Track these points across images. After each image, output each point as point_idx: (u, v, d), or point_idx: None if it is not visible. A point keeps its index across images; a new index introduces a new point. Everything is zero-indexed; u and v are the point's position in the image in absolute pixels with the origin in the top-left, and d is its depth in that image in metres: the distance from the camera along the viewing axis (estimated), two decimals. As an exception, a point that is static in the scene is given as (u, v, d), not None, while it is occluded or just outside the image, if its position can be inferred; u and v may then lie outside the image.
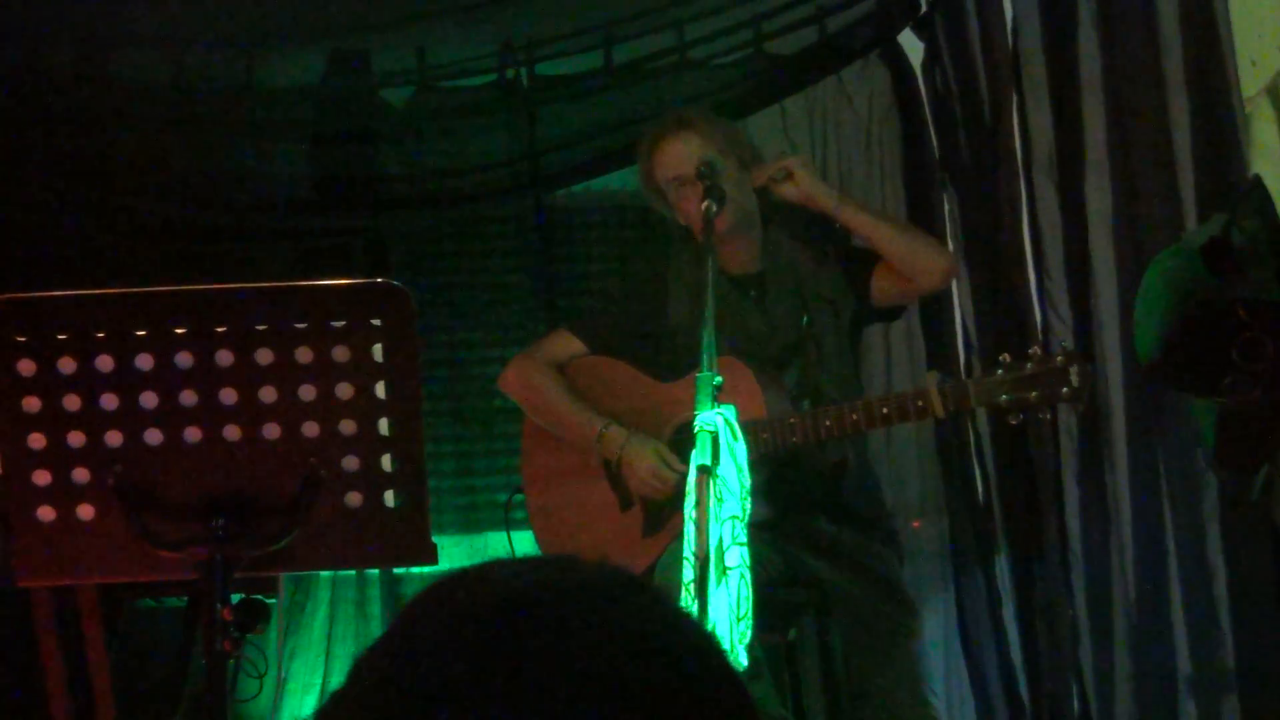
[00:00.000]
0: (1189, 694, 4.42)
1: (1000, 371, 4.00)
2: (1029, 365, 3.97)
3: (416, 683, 1.18)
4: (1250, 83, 3.80)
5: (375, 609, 5.68)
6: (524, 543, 5.02)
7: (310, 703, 5.42)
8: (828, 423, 4.16)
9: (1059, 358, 3.97)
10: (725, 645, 3.04)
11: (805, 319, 4.49)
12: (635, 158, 4.63)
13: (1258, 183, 3.48)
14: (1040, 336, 4.77)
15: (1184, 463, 4.41)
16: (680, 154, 4.40)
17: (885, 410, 4.10)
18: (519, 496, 4.80)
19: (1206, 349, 3.32)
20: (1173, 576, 4.45)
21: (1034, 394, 3.95)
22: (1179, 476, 4.43)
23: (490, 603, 1.23)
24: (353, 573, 5.64)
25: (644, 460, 4.36)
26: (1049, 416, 4.18)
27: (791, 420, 4.21)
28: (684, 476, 3.38)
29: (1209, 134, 4.06)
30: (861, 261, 4.48)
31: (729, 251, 4.49)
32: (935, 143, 5.55)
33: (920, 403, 4.06)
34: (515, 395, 4.73)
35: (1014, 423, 4.05)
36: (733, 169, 4.43)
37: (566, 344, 4.70)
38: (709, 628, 3.09)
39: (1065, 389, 3.94)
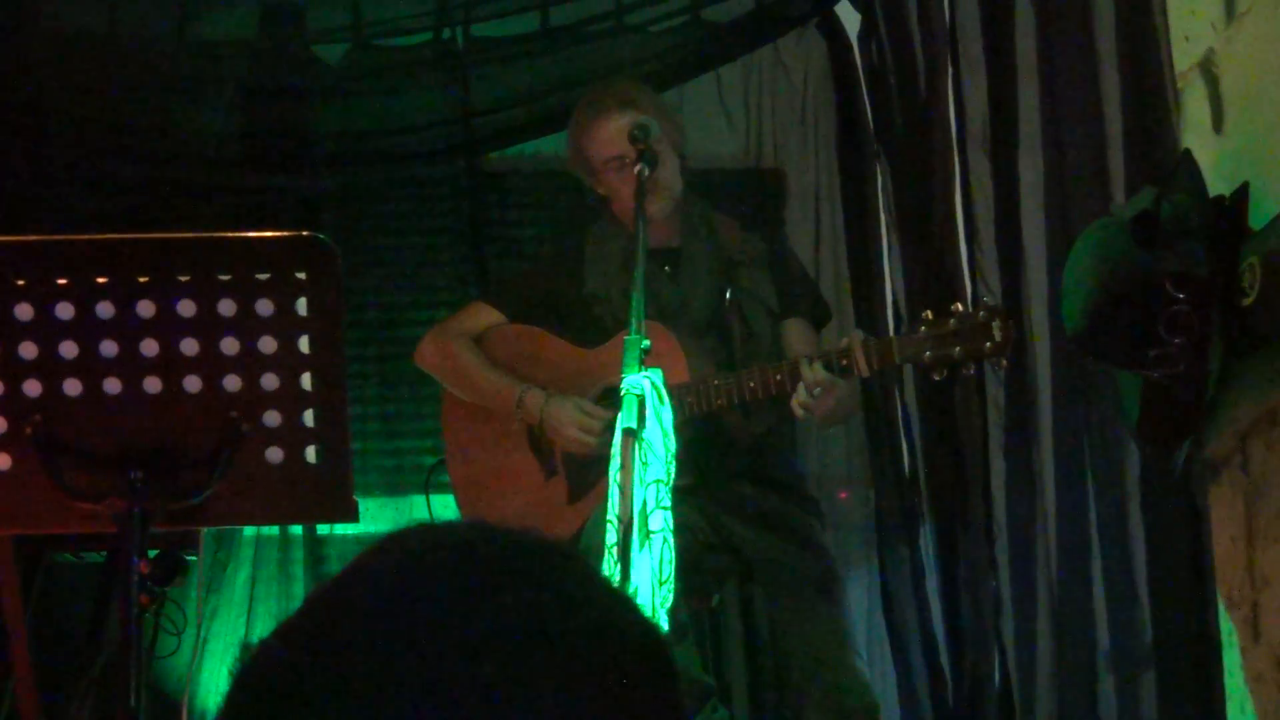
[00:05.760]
0: (1108, 667, 4.44)
1: (924, 328, 4.01)
2: (952, 321, 3.99)
3: (372, 624, 1.18)
4: (1183, 58, 3.80)
5: (298, 569, 5.65)
6: (447, 509, 5.00)
7: (230, 662, 5.39)
8: (752, 384, 4.15)
9: (981, 313, 4.00)
10: (647, 609, 3.04)
11: (729, 294, 4.49)
12: (569, 124, 4.60)
13: (1188, 157, 3.50)
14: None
15: (1107, 437, 4.43)
16: (623, 132, 4.34)
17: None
18: (442, 473, 4.77)
19: (1132, 322, 3.34)
20: (1094, 551, 4.47)
21: (957, 349, 3.97)
22: (1102, 451, 4.45)
23: (448, 550, 1.24)
24: (275, 532, 5.63)
25: (565, 415, 4.34)
26: (972, 373, 4.20)
27: (716, 382, 4.19)
28: (609, 424, 3.36)
29: (1140, 109, 4.06)
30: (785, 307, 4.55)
31: (650, 226, 4.48)
32: (870, 114, 5.55)
33: (845, 360, 4.05)
34: (432, 369, 4.70)
35: (937, 379, 4.06)
36: (669, 151, 4.42)
37: (483, 315, 4.67)
38: (631, 592, 3.09)
39: (988, 344, 3.96)
